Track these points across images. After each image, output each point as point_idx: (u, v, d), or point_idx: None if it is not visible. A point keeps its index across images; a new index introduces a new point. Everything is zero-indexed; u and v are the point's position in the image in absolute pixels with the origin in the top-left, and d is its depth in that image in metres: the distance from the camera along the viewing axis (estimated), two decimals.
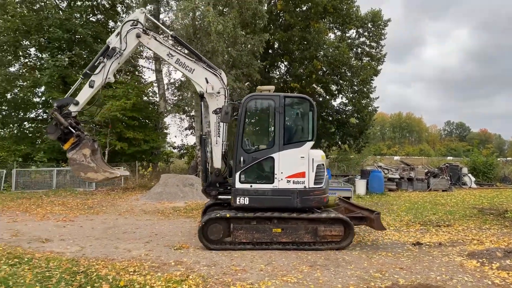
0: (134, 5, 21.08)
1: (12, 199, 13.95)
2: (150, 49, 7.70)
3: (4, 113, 19.31)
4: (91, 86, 7.39)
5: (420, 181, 18.10)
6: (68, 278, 5.57)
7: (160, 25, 7.98)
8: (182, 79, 19.80)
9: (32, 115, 20.10)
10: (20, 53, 19.84)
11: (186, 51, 8.21)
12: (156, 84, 21.91)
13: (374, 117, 28.11)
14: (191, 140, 24.84)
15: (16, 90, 17.40)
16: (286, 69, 26.66)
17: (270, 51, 25.27)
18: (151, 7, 19.39)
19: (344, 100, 26.61)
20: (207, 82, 7.49)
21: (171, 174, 15.90)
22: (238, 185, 7.38)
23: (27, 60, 20.65)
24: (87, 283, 5.38)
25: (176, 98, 22.43)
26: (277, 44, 24.15)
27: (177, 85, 21.69)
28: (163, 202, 13.82)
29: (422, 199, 14.99)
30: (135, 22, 7.60)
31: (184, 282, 5.47)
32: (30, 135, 19.96)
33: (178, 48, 7.85)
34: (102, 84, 7.38)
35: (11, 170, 16.62)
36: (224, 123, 7.51)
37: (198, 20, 14.86)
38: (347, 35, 25.52)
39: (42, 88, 19.29)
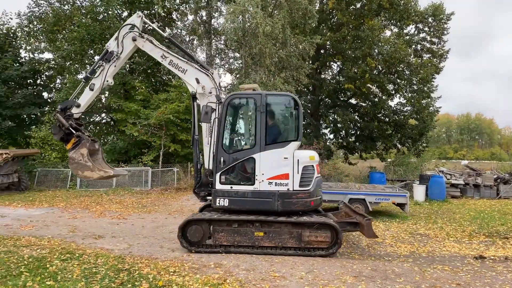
0: (188, 11, 21.75)
1: (75, 197, 15.04)
2: (145, 51, 7.88)
3: None
4: (91, 89, 7.79)
5: (488, 187, 16.43)
6: (112, 275, 5.76)
7: (156, 28, 8.15)
8: (235, 82, 20.02)
9: (96, 119, 21.66)
10: (86, 61, 21.46)
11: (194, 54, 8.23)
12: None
13: (436, 118, 26.20)
14: None
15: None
16: (338, 69, 25.88)
17: (322, 51, 24.71)
18: (203, 13, 19.88)
19: (402, 100, 25.16)
20: (198, 82, 7.48)
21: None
22: (218, 186, 7.24)
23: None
24: (128, 281, 5.52)
25: None
26: (329, 44, 23.51)
27: (228, 89, 22.00)
28: None
29: (489, 208, 13.58)
30: (132, 26, 7.80)
31: (221, 286, 5.39)
32: (95, 136, 21.49)
33: (175, 50, 7.83)
34: (101, 87, 7.73)
35: None
36: (207, 123, 7.37)
37: (247, 22, 14.91)
38: (405, 31, 24.10)
39: (106, 94, 20.68)
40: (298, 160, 7.09)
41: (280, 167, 7.07)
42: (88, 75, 7.91)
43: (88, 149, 7.56)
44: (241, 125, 7.76)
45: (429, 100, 24.02)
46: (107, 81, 7.78)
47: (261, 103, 7.15)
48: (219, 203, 7.23)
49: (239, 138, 7.91)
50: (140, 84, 18.67)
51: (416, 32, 24.21)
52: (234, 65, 20.04)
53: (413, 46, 24.10)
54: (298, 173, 7.07)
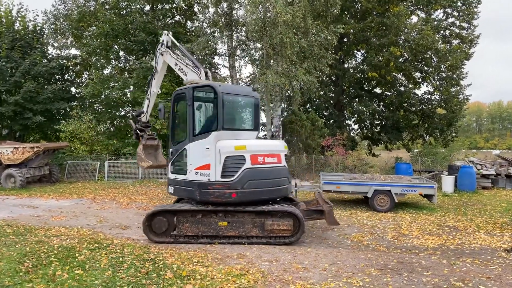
0: (210, 4, 21.60)
1: (103, 188, 15.49)
2: (168, 63, 8.85)
3: (99, 111, 21.54)
4: (147, 98, 9.58)
5: None
6: (138, 265, 5.89)
7: (173, 39, 8.99)
8: (255, 73, 19.91)
9: (122, 113, 22.11)
10: (112, 57, 21.88)
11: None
12: (229, 80, 22.44)
13: (466, 106, 25.19)
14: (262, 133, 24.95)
15: (108, 91, 19.19)
16: (362, 58, 25.25)
17: (345, 39, 24.16)
18: (224, 4, 19.77)
19: (430, 88, 24.30)
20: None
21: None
22: (169, 175, 7.98)
23: (117, 62, 22.74)
24: (153, 271, 5.62)
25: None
26: (352, 33, 22.94)
27: (249, 80, 21.93)
28: None
29: None
30: (161, 43, 8.92)
31: (243, 276, 5.41)
32: (121, 130, 21.91)
33: (183, 57, 8.50)
34: (150, 95, 9.24)
35: (104, 162, 18.50)
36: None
37: (268, 12, 14.72)
38: (433, 16, 23.15)
39: (131, 88, 21.04)
40: (219, 150, 7.08)
41: (203, 158, 7.23)
42: (146, 88, 9.80)
43: (145, 144, 9.37)
44: (181, 119, 8.06)
45: (458, 88, 23.10)
46: (153, 91, 9.26)
47: (188, 96, 7.51)
48: (169, 190, 8.00)
49: (180, 131, 8.17)
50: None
51: (444, 17, 23.23)
52: (255, 56, 19.89)
53: (441, 32, 23.14)
54: (220, 163, 7.07)
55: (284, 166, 7.70)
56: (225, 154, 7.07)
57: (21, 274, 5.36)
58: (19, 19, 20.97)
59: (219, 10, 19.14)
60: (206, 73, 7.94)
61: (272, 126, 18.11)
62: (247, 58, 19.95)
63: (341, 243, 7.41)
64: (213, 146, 7.12)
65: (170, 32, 9.13)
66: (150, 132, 9.84)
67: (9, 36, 19.50)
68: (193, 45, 16.89)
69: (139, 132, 9.60)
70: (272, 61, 15.92)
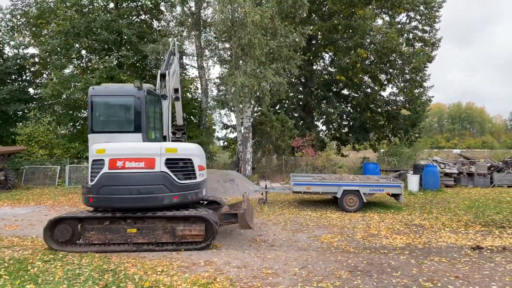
0: (176, 3, 21.13)
1: (64, 194, 14.66)
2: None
3: (59, 113, 20.46)
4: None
5: (482, 176, 16.37)
6: (96, 277, 5.49)
7: (174, 49, 9.31)
8: (223, 75, 19.64)
9: (84, 115, 21.11)
10: (73, 56, 20.88)
11: None
12: (198, 80, 22.03)
13: (429, 108, 26.12)
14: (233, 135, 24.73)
15: (69, 91, 18.26)
16: (330, 60, 25.59)
17: (313, 41, 24.38)
18: (191, 4, 19.40)
19: (395, 90, 24.99)
20: None
21: (213, 170, 15.83)
22: None
23: (79, 62, 21.74)
24: (113, 283, 5.25)
25: (220, 93, 22.38)
26: (320, 34, 23.18)
27: (218, 81, 21.66)
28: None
29: (484, 196, 13.50)
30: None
31: (210, 285, 5.15)
32: (84, 133, 20.92)
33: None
34: (169, 98, 8.12)
35: (65, 166, 17.57)
36: None
37: (236, 12, 14.52)
38: (397, 20, 23.84)
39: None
40: (90, 154, 7.07)
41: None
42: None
43: None
44: None
45: (422, 89, 23.89)
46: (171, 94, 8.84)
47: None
48: None
49: None
50: (127, 77, 18.21)
51: (407, 21, 23.98)
52: (224, 56, 19.62)
53: (405, 35, 23.88)
54: (90, 167, 7.02)
55: (157, 172, 6.81)
56: (91, 158, 6.96)
57: None
58: None
59: (185, 9, 18.75)
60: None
61: (242, 127, 17.90)
62: (215, 58, 19.62)
63: (311, 245, 7.29)
64: (90, 150, 7.13)
65: (174, 40, 9.51)
66: (179, 135, 9.19)
67: None
68: (159, 45, 16.38)
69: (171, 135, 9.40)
70: (241, 61, 15.73)
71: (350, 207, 10.98)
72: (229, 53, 18.36)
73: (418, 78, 23.46)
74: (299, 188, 11.41)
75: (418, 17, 23.52)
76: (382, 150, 24.83)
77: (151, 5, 22.64)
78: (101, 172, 6.78)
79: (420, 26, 23.83)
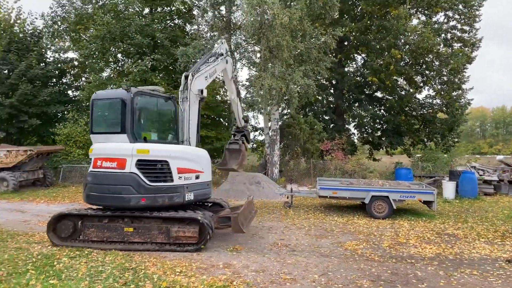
0: (208, 8, 21.44)
1: None
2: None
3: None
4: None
5: None
6: (117, 274, 5.61)
7: (222, 49, 9.14)
8: (252, 77, 19.66)
9: None
10: (111, 59, 21.71)
11: None
12: None
13: (468, 111, 24.82)
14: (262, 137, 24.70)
15: None
16: (363, 61, 24.98)
17: (345, 43, 23.91)
18: (222, 8, 19.60)
19: (431, 92, 23.96)
20: None
21: (239, 172, 15.83)
22: None
23: (115, 65, 22.57)
24: (132, 281, 5.34)
25: (248, 95, 22.47)
26: (352, 35, 22.69)
27: (247, 83, 21.72)
28: (230, 199, 13.76)
29: None
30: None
31: None
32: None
33: None
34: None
35: None
36: None
37: (265, 15, 14.49)
38: (434, 19, 22.87)
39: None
40: None
41: None
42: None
43: (228, 149, 9.67)
44: None
45: (460, 92, 22.74)
46: (231, 97, 9.80)
47: None
48: None
49: None
50: (159, 80, 18.67)
51: (445, 20, 22.94)
52: (253, 59, 19.66)
53: (443, 35, 22.84)
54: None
55: (126, 172, 6.78)
56: (90, 157, 7.39)
57: None
58: (18, 22, 20.91)
59: (216, 13, 18.97)
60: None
61: (270, 130, 17.82)
62: (244, 61, 19.71)
63: (334, 252, 7.08)
64: None
65: (224, 40, 9.40)
66: (238, 137, 9.74)
67: (6, 39, 19.40)
68: (189, 48, 16.66)
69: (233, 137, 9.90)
70: (269, 64, 15.67)
71: (379, 214, 10.59)
72: (258, 55, 18.37)
73: (456, 80, 22.36)
74: (325, 192, 11.16)
75: (456, 16, 22.43)
76: (417, 155, 23.84)
77: (184, 10, 23.16)
78: (88, 170, 7.36)
79: (459, 26, 22.74)
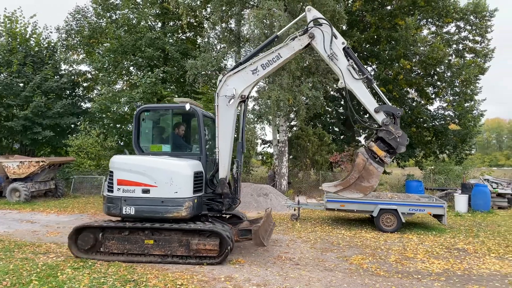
0: (218, 20, 21.77)
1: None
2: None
3: (107, 126, 21.66)
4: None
5: None
6: (118, 286, 5.62)
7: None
8: (260, 89, 19.77)
9: (129, 128, 22.17)
10: (123, 72, 22.16)
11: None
12: None
13: (482, 122, 24.39)
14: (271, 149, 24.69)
15: (116, 106, 19.32)
16: (373, 72, 24.86)
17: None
18: (231, 21, 19.90)
19: (443, 103, 23.65)
20: None
21: (247, 183, 15.81)
22: None
23: (127, 78, 23.01)
24: None
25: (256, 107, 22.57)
26: (360, 47, 22.67)
27: (256, 95, 21.82)
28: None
29: None
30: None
31: None
32: (129, 145, 21.95)
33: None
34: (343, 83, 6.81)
35: None
36: None
37: (274, 27, 14.63)
38: (445, 30, 22.71)
39: (138, 103, 21.15)
40: None
41: None
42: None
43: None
44: None
45: (472, 103, 22.39)
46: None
47: None
48: None
49: None
50: (168, 92, 18.93)
51: (456, 31, 22.76)
52: None
53: (454, 46, 22.65)
54: None
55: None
56: None
57: None
58: (34, 36, 21.56)
59: (226, 24, 19.23)
60: None
61: (278, 142, 17.81)
62: None
63: (339, 266, 6.96)
64: None
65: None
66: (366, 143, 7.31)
67: (22, 52, 19.99)
68: (197, 61, 16.88)
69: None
70: (278, 75, 15.74)
71: (387, 227, 10.40)
72: None
73: (468, 91, 22.05)
74: (333, 205, 11.04)
75: (468, 27, 22.24)
76: (429, 167, 23.42)
77: (195, 24, 23.58)
78: None
79: (470, 37, 22.53)
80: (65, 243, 8.39)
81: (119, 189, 6.94)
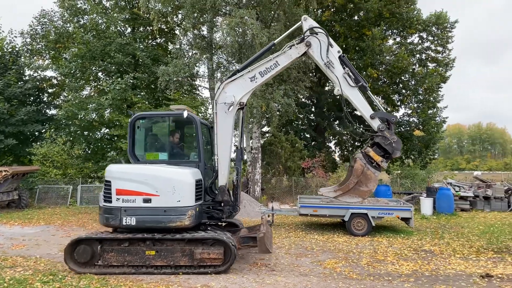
0: (190, 26, 21.70)
1: (74, 214, 14.83)
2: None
3: (74, 133, 20.91)
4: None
5: (498, 199, 15.79)
6: None
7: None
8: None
9: (98, 136, 21.53)
10: (91, 78, 21.51)
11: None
12: (210, 101, 22.31)
13: (444, 129, 25.60)
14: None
15: (83, 113, 18.72)
16: None
17: None
18: (204, 29, 19.90)
19: (408, 111, 24.68)
20: None
21: None
22: None
23: (96, 84, 22.38)
24: None
25: None
26: None
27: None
28: None
29: (500, 221, 12.99)
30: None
31: None
32: (97, 153, 21.26)
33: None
34: (339, 90, 7.01)
35: (77, 186, 17.84)
36: None
37: (246, 36, 14.80)
38: (409, 40, 23.80)
39: (108, 110, 20.56)
40: None
41: None
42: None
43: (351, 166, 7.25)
44: None
45: (435, 110, 23.51)
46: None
47: None
48: None
49: None
50: (138, 99, 18.60)
51: (419, 41, 23.89)
52: None
53: (417, 55, 23.75)
54: None
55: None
56: None
57: None
58: None
59: (198, 31, 19.20)
60: None
61: (251, 148, 17.91)
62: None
63: (313, 271, 7.09)
64: None
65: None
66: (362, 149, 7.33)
67: None
68: (169, 67, 16.73)
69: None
70: None
71: (358, 231, 10.71)
72: None
73: (431, 98, 23.14)
74: (306, 210, 11.25)
75: (430, 38, 23.41)
76: (395, 172, 24.29)
77: (166, 30, 23.36)
78: None
79: (432, 47, 23.70)
80: (32, 256, 8.10)
81: (118, 199, 6.69)
